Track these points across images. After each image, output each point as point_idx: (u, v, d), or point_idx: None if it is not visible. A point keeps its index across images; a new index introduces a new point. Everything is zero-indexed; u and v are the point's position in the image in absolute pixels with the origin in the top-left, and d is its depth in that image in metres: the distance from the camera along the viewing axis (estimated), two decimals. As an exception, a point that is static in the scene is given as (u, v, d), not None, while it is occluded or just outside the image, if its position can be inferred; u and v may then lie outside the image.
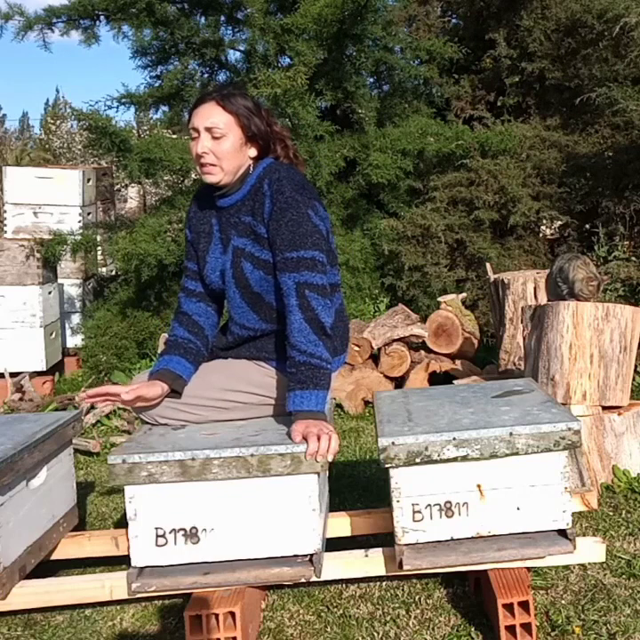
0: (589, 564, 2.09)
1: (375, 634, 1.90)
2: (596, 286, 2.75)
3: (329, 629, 1.93)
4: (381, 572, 1.88)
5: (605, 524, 2.39)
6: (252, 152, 1.95)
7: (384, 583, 2.10)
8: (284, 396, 1.95)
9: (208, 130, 1.88)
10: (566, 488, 1.77)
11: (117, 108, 4.94)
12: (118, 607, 2.08)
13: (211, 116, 1.89)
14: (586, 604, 1.96)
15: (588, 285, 2.73)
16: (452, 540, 1.79)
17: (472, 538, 1.79)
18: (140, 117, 10.50)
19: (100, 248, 4.89)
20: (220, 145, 1.89)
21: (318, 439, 1.72)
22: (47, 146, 12.93)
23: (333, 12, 4.41)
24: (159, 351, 4.14)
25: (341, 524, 2.10)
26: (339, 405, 3.82)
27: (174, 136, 5.76)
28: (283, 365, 1.96)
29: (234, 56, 5.25)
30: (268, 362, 1.98)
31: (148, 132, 10.09)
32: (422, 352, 4.08)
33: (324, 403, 1.81)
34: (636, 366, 3.01)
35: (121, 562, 2.09)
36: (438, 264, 4.74)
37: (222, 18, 5.11)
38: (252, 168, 1.95)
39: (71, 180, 4.97)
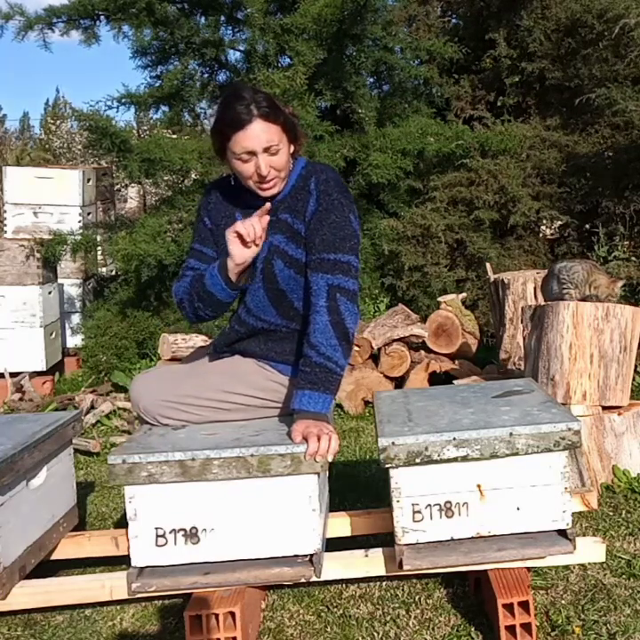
0: (589, 563, 2.09)
1: (375, 634, 1.90)
2: (620, 287, 2.76)
3: (329, 629, 1.93)
4: (381, 572, 1.88)
5: (605, 524, 2.39)
6: (292, 148, 1.94)
7: (384, 583, 2.10)
8: (284, 399, 1.97)
9: (266, 149, 1.84)
10: (566, 488, 1.77)
11: (117, 108, 4.93)
12: (118, 607, 2.08)
13: (264, 135, 1.83)
14: (586, 603, 1.96)
15: (613, 289, 2.73)
16: (453, 540, 1.79)
17: (472, 538, 1.79)
18: (140, 117, 10.48)
19: (99, 248, 4.89)
20: (278, 158, 1.86)
21: (318, 439, 1.72)
22: (47, 146, 12.92)
23: (333, 12, 4.41)
24: (159, 351, 4.16)
25: (341, 524, 2.10)
26: (339, 405, 3.82)
27: (174, 136, 5.76)
28: (288, 369, 1.97)
29: (234, 56, 5.25)
30: (273, 364, 1.98)
31: (147, 132, 10.08)
32: (422, 352, 4.08)
33: (329, 407, 1.82)
34: (636, 366, 3.01)
35: (121, 562, 2.09)
36: (438, 264, 4.74)
37: (222, 18, 5.10)
38: (292, 164, 1.95)
39: (71, 180, 4.98)
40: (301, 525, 1.76)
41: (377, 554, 1.89)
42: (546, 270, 3.21)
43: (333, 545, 1.96)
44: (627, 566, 2.13)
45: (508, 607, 1.74)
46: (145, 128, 10.82)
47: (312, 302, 1.86)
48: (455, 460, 1.75)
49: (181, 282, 2.03)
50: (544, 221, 5.06)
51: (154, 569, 1.78)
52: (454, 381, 3.56)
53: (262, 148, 1.83)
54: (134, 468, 1.72)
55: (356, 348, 3.94)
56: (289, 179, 1.94)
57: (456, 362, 4.01)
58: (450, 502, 1.77)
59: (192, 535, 1.76)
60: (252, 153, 1.84)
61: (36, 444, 1.98)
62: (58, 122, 14.40)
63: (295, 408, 1.81)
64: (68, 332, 4.99)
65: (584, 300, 2.74)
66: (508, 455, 1.75)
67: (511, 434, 1.74)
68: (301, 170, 1.96)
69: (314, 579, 1.78)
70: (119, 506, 2.75)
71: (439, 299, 4.30)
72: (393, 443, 1.74)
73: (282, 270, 1.91)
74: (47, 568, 2.11)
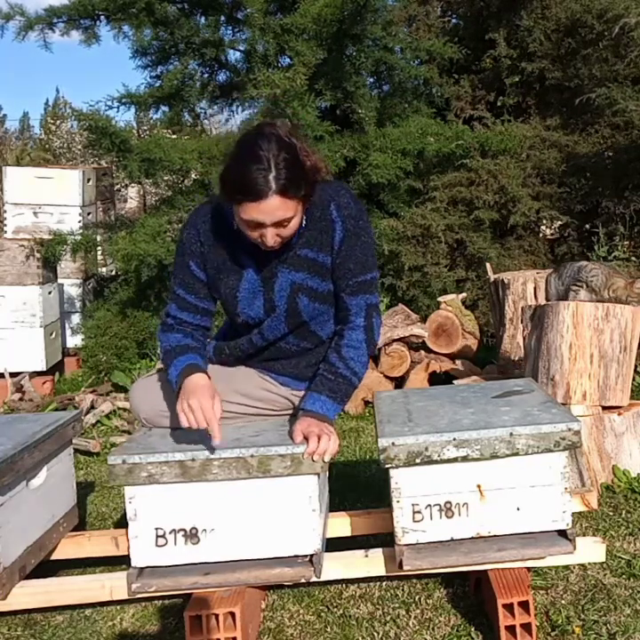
0: (589, 563, 2.09)
1: (375, 634, 1.90)
2: (639, 287, 2.74)
3: (329, 629, 1.93)
4: (381, 572, 1.88)
5: (605, 524, 2.39)
6: (306, 206, 1.78)
7: (384, 583, 2.10)
8: (282, 408, 1.99)
9: (277, 224, 1.71)
10: (566, 488, 1.77)
11: (117, 108, 4.93)
12: (118, 607, 2.08)
13: (278, 212, 1.67)
14: (586, 603, 1.96)
15: (632, 290, 2.71)
16: (453, 540, 1.79)
17: (472, 538, 1.79)
18: (140, 117, 10.49)
19: (99, 248, 4.89)
20: (289, 229, 1.74)
21: (319, 439, 1.73)
22: (47, 146, 12.93)
23: (333, 12, 4.41)
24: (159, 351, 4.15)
25: (341, 524, 2.10)
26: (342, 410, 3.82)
27: (174, 136, 5.77)
28: (289, 381, 1.98)
29: (234, 56, 5.25)
30: (274, 376, 1.98)
31: (147, 132, 10.08)
32: (422, 352, 4.08)
33: (337, 415, 1.86)
34: (636, 366, 3.01)
35: (121, 562, 2.09)
36: (438, 264, 4.74)
37: (222, 18, 5.10)
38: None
39: (71, 180, 4.97)
40: (301, 526, 1.76)
41: (377, 554, 1.89)
42: (546, 270, 3.21)
43: (333, 545, 1.96)
44: (627, 566, 2.13)
45: (508, 607, 1.74)
46: (145, 128, 10.82)
47: (348, 319, 1.87)
48: (455, 460, 1.75)
49: (165, 335, 1.92)
50: (544, 221, 5.06)
51: (154, 569, 1.78)
52: (454, 381, 3.56)
53: (272, 223, 1.70)
54: (134, 469, 1.72)
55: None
56: None
57: (456, 362, 4.00)
58: (450, 502, 1.77)
59: (192, 535, 1.76)
60: (260, 224, 1.70)
61: (36, 444, 1.98)
62: (58, 122, 14.41)
63: (305, 408, 1.82)
64: (68, 331, 4.99)
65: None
66: (508, 455, 1.75)
67: (511, 434, 1.74)
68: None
69: (314, 579, 1.78)
70: (119, 506, 2.75)
71: (439, 299, 4.30)
72: (393, 443, 1.74)
73: (306, 305, 1.87)
74: (47, 568, 2.11)
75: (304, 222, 1.81)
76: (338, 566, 1.87)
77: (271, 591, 2.09)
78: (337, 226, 1.82)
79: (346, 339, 1.86)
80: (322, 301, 1.89)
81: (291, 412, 1.99)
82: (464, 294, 4.47)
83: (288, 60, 4.85)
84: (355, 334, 1.86)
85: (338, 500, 2.41)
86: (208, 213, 1.89)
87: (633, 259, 4.31)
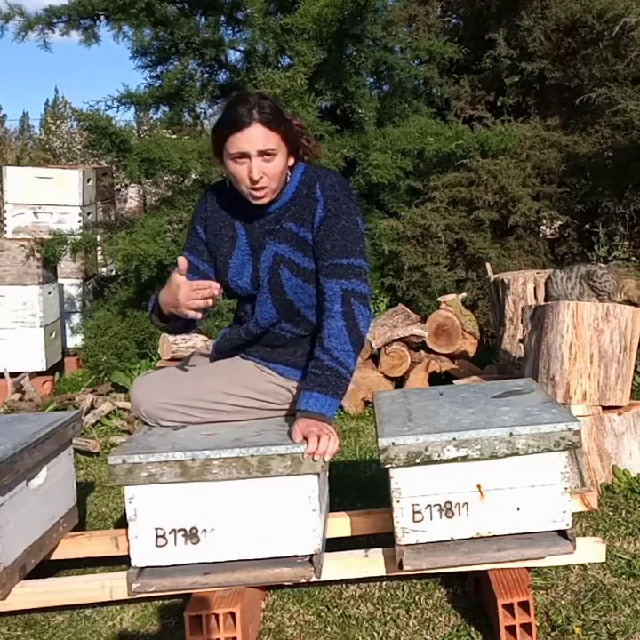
0: (589, 563, 2.09)
1: (375, 634, 1.90)
2: None
3: (329, 629, 1.93)
4: (381, 572, 1.89)
5: (605, 524, 2.39)
6: (291, 161, 1.92)
7: (384, 583, 2.10)
8: (283, 401, 1.99)
9: (261, 153, 1.83)
10: (566, 488, 1.77)
11: (117, 108, 4.93)
12: (118, 607, 2.08)
13: (261, 139, 1.82)
14: (586, 603, 1.96)
15: None
16: (452, 540, 1.79)
17: (472, 538, 1.79)
18: (140, 117, 10.50)
19: (99, 248, 4.89)
20: (272, 165, 1.84)
21: (318, 439, 1.73)
22: (47, 146, 12.93)
23: (333, 12, 4.40)
24: (159, 351, 4.15)
25: (341, 524, 2.10)
26: (339, 405, 3.81)
27: (174, 136, 5.77)
28: (287, 371, 1.98)
29: (234, 56, 5.25)
30: (273, 366, 1.98)
31: (147, 132, 10.09)
32: (422, 352, 4.08)
33: (334, 410, 1.84)
34: (636, 366, 3.01)
35: (121, 562, 2.09)
36: (438, 264, 4.74)
37: (222, 18, 5.10)
38: (289, 176, 1.93)
39: (71, 180, 4.98)
40: (301, 525, 1.76)
41: (377, 554, 1.89)
42: (546, 270, 3.20)
43: (333, 545, 1.96)
44: (627, 566, 2.13)
45: (508, 607, 1.74)
46: (145, 128, 10.83)
47: (326, 307, 1.86)
48: (455, 460, 1.75)
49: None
50: (544, 221, 5.06)
51: (154, 569, 1.78)
52: (454, 381, 3.56)
53: (257, 152, 1.82)
54: (134, 469, 1.73)
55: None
56: (289, 186, 1.93)
57: (456, 362, 4.00)
58: (450, 502, 1.77)
59: (192, 535, 1.76)
60: (246, 155, 1.83)
61: (36, 444, 1.98)
62: (58, 122, 14.41)
63: (301, 408, 1.81)
64: (68, 331, 4.99)
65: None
66: (508, 455, 1.75)
67: (511, 434, 1.74)
68: (301, 176, 1.94)
69: (314, 579, 1.78)
70: (119, 506, 2.75)
71: (439, 299, 4.30)
72: (393, 443, 1.74)
73: (288, 279, 1.90)
74: (47, 568, 2.11)
75: (288, 178, 1.92)
76: (338, 566, 1.88)
77: (271, 591, 2.09)
78: (319, 205, 1.89)
79: (326, 328, 1.85)
80: (305, 278, 1.91)
81: (291, 405, 1.98)
82: (464, 294, 4.47)
83: (288, 60, 4.85)
84: (334, 322, 1.84)
85: (338, 500, 2.41)
86: (217, 186, 2.07)
87: (633, 259, 4.30)
